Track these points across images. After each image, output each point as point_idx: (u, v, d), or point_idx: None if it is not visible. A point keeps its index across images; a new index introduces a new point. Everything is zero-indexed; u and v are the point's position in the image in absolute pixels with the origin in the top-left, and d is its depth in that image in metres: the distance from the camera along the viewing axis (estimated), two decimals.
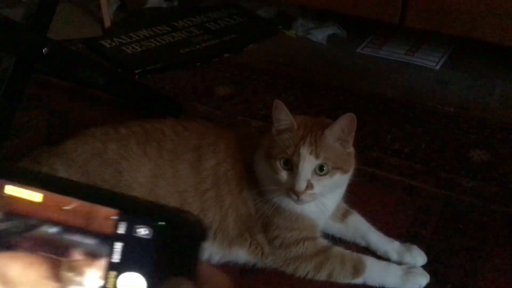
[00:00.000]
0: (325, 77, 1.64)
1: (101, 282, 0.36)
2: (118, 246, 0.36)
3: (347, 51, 1.80)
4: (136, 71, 1.64)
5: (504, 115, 1.46)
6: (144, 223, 0.36)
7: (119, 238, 0.36)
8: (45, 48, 1.11)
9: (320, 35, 1.85)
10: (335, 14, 1.85)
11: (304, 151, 0.87)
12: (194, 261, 0.35)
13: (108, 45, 1.78)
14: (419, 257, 0.99)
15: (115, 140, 1.00)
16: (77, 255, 0.37)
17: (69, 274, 0.37)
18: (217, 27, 1.91)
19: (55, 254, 0.37)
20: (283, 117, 0.91)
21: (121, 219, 0.36)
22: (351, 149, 0.93)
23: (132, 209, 0.36)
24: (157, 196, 0.96)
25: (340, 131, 0.90)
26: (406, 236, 1.05)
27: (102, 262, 0.36)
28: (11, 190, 0.37)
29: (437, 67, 1.70)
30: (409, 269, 0.96)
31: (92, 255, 0.36)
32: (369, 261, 0.96)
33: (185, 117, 1.37)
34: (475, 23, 1.50)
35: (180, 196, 0.97)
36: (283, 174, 0.90)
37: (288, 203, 0.94)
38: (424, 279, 0.95)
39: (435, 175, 1.23)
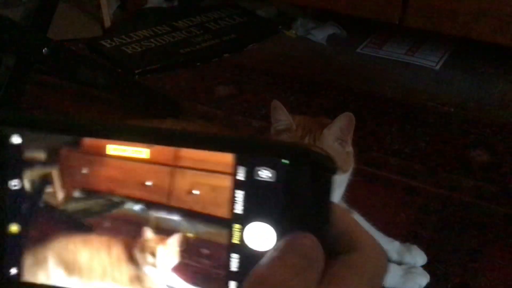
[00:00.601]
0: (325, 77, 1.64)
1: (175, 260, 0.33)
2: (239, 194, 0.32)
3: (347, 51, 1.80)
4: (136, 71, 1.64)
5: (504, 115, 1.46)
6: (265, 164, 0.31)
7: (239, 185, 0.32)
8: (45, 48, 1.11)
9: (320, 35, 1.85)
10: (335, 14, 1.85)
11: None
12: (326, 201, 0.30)
13: (108, 45, 1.78)
14: (419, 257, 0.99)
15: None
16: (149, 234, 0.34)
17: (143, 255, 0.34)
18: (217, 27, 1.91)
19: (131, 234, 0.34)
20: (282, 117, 0.91)
21: (239, 164, 0.31)
22: (350, 149, 0.93)
23: (250, 149, 0.32)
24: None
25: (339, 131, 0.90)
26: (406, 236, 1.05)
27: (176, 239, 0.33)
28: (113, 149, 0.33)
29: (437, 67, 1.70)
30: (409, 269, 0.96)
31: (166, 232, 0.33)
32: None
33: (185, 117, 1.37)
34: (474, 23, 1.50)
35: None
36: None
37: None
38: (424, 279, 0.95)
39: (435, 175, 1.23)
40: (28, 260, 0.35)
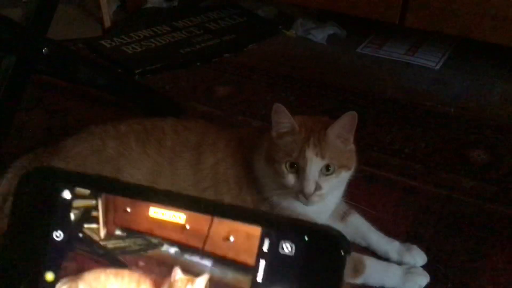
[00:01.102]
0: (325, 77, 1.64)
1: None
2: (262, 264, 0.35)
3: (347, 51, 1.80)
4: (136, 71, 1.64)
5: (504, 115, 1.46)
6: (288, 239, 0.35)
7: (262, 255, 0.35)
8: (45, 48, 1.11)
9: (320, 35, 1.85)
10: (335, 14, 1.85)
11: (310, 153, 0.87)
12: (339, 276, 0.34)
13: (108, 45, 1.78)
14: (419, 257, 0.99)
15: (115, 137, 1.00)
16: (179, 274, 0.36)
17: None
18: (217, 27, 1.91)
19: (162, 274, 0.36)
20: (285, 120, 0.90)
21: (264, 236, 0.35)
22: (352, 146, 0.94)
23: (275, 225, 0.35)
24: None
25: (341, 130, 0.90)
26: (406, 236, 1.05)
27: (205, 278, 0.35)
28: (154, 212, 0.37)
29: (437, 67, 1.70)
30: (409, 269, 0.96)
31: (196, 274, 0.36)
32: (369, 261, 0.96)
33: (185, 117, 1.37)
34: (475, 23, 1.50)
35: None
36: (290, 178, 0.90)
37: (288, 203, 0.94)
38: (424, 279, 0.95)
39: (435, 175, 1.22)
40: None
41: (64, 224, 0.36)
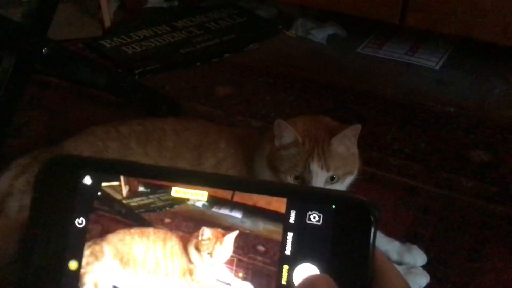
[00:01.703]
0: (325, 77, 1.64)
1: (229, 254, 0.35)
2: (289, 236, 0.34)
3: (347, 51, 1.80)
4: (136, 71, 1.64)
5: (504, 115, 1.46)
6: (314, 209, 0.34)
7: (289, 228, 0.34)
8: (45, 48, 1.11)
9: (320, 35, 1.85)
10: (335, 14, 1.85)
11: (315, 166, 0.87)
12: (368, 245, 0.33)
13: (108, 45, 1.78)
14: (419, 257, 0.99)
15: (116, 138, 1.00)
16: (207, 233, 0.35)
17: (200, 254, 0.35)
18: (217, 27, 1.91)
19: (189, 230, 0.35)
20: (287, 134, 0.90)
21: (290, 208, 0.34)
22: (355, 150, 0.93)
23: (300, 195, 0.35)
24: None
25: (346, 139, 0.90)
26: (406, 236, 1.05)
27: (233, 236, 0.35)
28: (176, 191, 0.36)
29: (437, 67, 1.70)
30: (409, 269, 0.96)
31: (225, 228, 0.35)
32: None
33: (185, 117, 1.36)
34: (474, 23, 1.50)
35: None
36: None
37: None
38: (424, 279, 0.95)
39: (435, 175, 1.23)
40: (86, 253, 0.36)
41: (86, 211, 0.36)
